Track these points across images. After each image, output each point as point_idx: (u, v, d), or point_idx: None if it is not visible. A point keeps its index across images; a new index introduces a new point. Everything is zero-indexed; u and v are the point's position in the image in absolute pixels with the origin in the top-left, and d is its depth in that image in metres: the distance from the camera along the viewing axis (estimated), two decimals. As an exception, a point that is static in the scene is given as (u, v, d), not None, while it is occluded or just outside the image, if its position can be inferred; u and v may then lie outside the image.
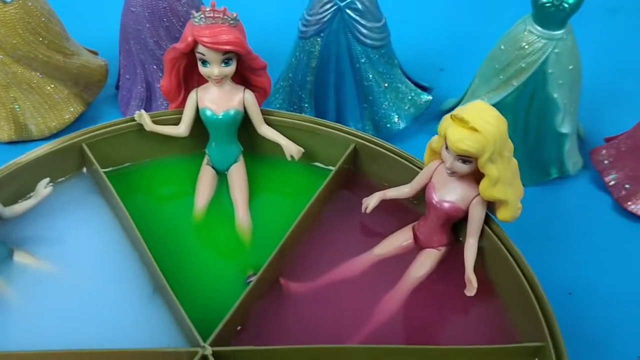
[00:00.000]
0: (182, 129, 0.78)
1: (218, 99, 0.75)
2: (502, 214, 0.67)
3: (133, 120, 0.78)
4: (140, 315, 0.66)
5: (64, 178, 0.77)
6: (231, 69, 0.73)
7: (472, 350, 0.62)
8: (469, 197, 0.67)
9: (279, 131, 0.79)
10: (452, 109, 0.91)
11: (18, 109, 0.89)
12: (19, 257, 0.69)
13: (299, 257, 0.72)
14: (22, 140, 0.91)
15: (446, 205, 0.68)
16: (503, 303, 0.68)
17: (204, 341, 0.60)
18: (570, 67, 0.81)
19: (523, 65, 0.80)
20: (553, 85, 0.81)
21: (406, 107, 0.93)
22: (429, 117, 0.96)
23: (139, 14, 0.87)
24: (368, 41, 0.87)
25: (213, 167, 0.79)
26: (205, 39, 0.69)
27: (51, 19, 0.88)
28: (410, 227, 0.74)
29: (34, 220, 0.73)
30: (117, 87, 0.98)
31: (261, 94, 0.79)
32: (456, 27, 1.20)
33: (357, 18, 0.86)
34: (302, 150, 0.78)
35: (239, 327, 0.65)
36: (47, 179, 0.72)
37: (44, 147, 0.75)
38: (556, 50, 0.79)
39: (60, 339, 0.62)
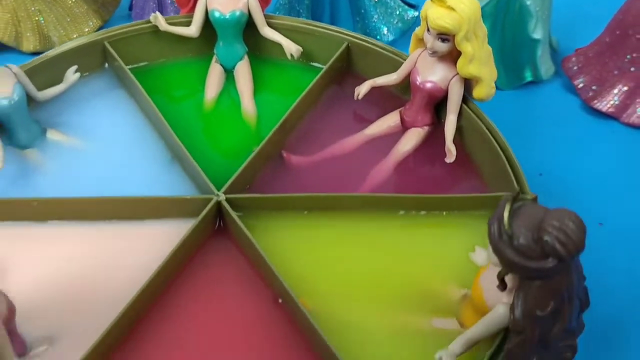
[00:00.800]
0: (193, 30, 0.86)
1: (225, 1, 0.84)
2: (478, 92, 0.76)
3: (149, 22, 0.86)
4: (159, 178, 0.75)
5: (87, 73, 0.85)
6: None
7: (451, 198, 0.71)
8: (448, 77, 0.76)
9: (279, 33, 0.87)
10: None
11: (42, 21, 0.97)
12: (52, 135, 0.79)
13: (299, 135, 0.81)
14: (45, 51, 0.99)
15: (428, 85, 0.77)
16: (479, 169, 0.77)
17: (218, 190, 0.69)
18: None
19: None
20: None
21: (394, 22, 1.02)
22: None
23: None
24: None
25: (221, 65, 0.88)
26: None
27: None
28: (397, 111, 0.83)
29: (63, 107, 0.82)
30: (130, 9, 1.07)
31: (263, 1, 0.88)
32: None
33: None
34: (301, 49, 0.86)
35: (247, 187, 0.74)
36: (75, 67, 0.81)
37: (70, 43, 0.84)
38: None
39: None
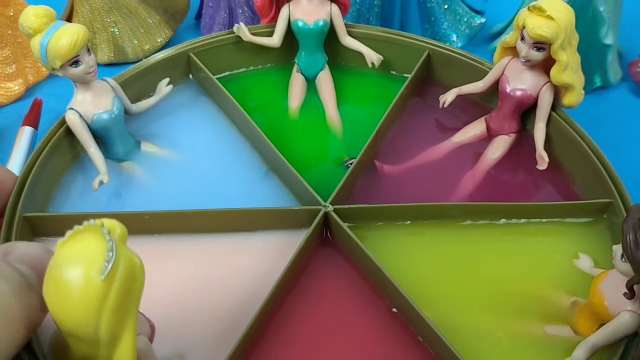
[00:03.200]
0: (275, 40, 0.87)
1: (308, 11, 0.85)
2: (568, 99, 0.77)
3: (232, 33, 0.87)
4: (255, 189, 0.76)
5: (172, 85, 0.86)
6: None
7: (552, 206, 0.72)
8: (539, 85, 0.77)
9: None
10: (501, 32, 1.02)
11: (117, 33, 0.98)
12: (145, 147, 0.79)
13: (389, 145, 0.82)
14: (119, 63, 1.00)
15: (519, 93, 0.78)
16: (570, 176, 0.78)
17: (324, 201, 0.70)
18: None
19: None
20: (600, 0, 0.91)
21: (463, 28, 1.03)
22: (481, 40, 1.07)
23: None
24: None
25: (302, 74, 0.89)
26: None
27: None
28: (482, 119, 0.84)
29: (154, 119, 0.83)
30: (196, 18, 1.07)
31: (342, 9, 0.88)
32: None
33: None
34: (382, 57, 0.87)
35: (346, 197, 0.75)
36: (167, 79, 0.81)
37: (157, 55, 0.84)
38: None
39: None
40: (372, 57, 0.87)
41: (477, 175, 0.79)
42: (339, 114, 0.86)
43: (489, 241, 0.71)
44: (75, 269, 0.43)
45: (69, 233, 0.44)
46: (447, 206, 0.72)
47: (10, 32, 0.93)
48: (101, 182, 0.71)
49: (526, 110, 0.80)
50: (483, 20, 1.05)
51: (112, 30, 0.98)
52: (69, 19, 0.97)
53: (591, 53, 0.96)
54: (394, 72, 0.91)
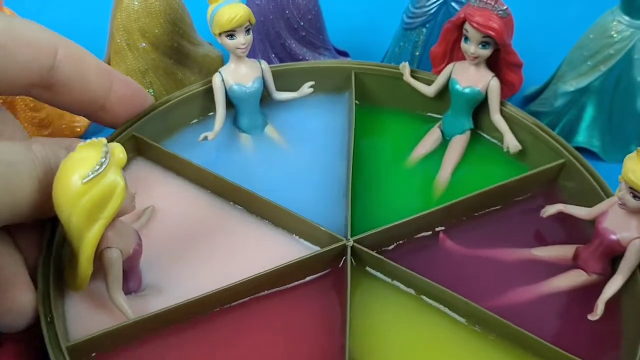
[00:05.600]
0: (431, 90, 0.91)
1: (469, 75, 0.86)
2: None
3: (397, 68, 0.93)
4: (323, 204, 0.82)
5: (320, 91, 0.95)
6: (486, 52, 0.83)
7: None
8: (631, 236, 0.70)
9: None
10: (535, 94, 1.05)
11: (152, 93, 1.01)
12: (269, 130, 0.91)
13: (465, 224, 0.81)
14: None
15: (609, 236, 0.71)
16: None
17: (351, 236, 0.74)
18: (655, 54, 0.91)
19: (611, 52, 0.92)
20: (638, 69, 0.92)
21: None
22: (515, 102, 1.04)
23: (263, 7, 0.98)
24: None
25: (441, 132, 0.91)
26: (471, 18, 0.81)
27: (185, 10, 1.00)
28: (575, 246, 0.78)
29: (287, 109, 0.93)
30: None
31: (509, 89, 0.88)
32: (531, 26, 1.24)
33: (461, 10, 0.93)
34: (520, 147, 0.86)
35: (390, 247, 0.78)
36: (312, 82, 0.91)
37: (321, 62, 0.97)
38: (643, 39, 0.90)
39: (269, 193, 0.79)
40: (511, 143, 0.86)
41: (530, 294, 0.75)
42: (450, 178, 0.87)
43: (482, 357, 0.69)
44: (69, 169, 0.59)
45: (87, 141, 0.60)
46: (457, 299, 0.70)
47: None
48: (205, 138, 0.84)
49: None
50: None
51: (148, 90, 1.00)
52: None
53: (628, 122, 0.98)
54: (521, 162, 0.88)
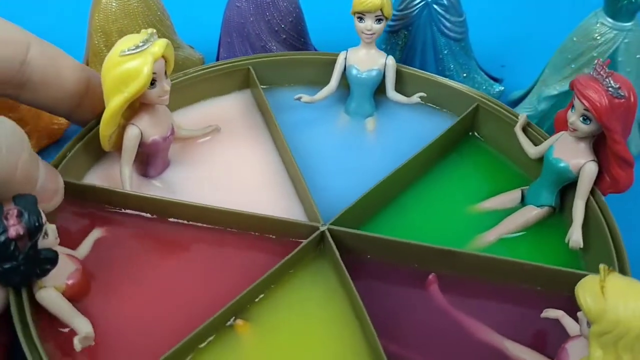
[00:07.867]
0: (534, 151, 0.84)
1: (566, 148, 0.78)
2: None
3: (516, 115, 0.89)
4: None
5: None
6: (585, 127, 0.74)
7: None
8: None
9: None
10: (519, 99, 1.02)
11: None
12: (369, 121, 0.94)
13: (462, 281, 0.75)
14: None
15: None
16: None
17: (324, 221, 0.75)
18: (638, 56, 0.91)
19: (595, 54, 0.91)
20: (621, 72, 0.89)
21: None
22: None
23: (244, 9, 0.99)
24: (451, 34, 0.97)
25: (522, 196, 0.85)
26: (575, 82, 0.73)
27: (165, 13, 1.00)
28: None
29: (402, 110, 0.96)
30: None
31: (611, 185, 0.77)
32: (515, 30, 1.30)
33: (443, 13, 0.96)
34: (581, 246, 0.77)
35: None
36: (423, 94, 0.92)
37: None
38: (626, 41, 0.90)
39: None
40: (574, 236, 0.77)
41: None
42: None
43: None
44: (121, 42, 0.73)
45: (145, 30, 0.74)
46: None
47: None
48: (299, 98, 0.92)
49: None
50: (501, 88, 1.06)
51: None
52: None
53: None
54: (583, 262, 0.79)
